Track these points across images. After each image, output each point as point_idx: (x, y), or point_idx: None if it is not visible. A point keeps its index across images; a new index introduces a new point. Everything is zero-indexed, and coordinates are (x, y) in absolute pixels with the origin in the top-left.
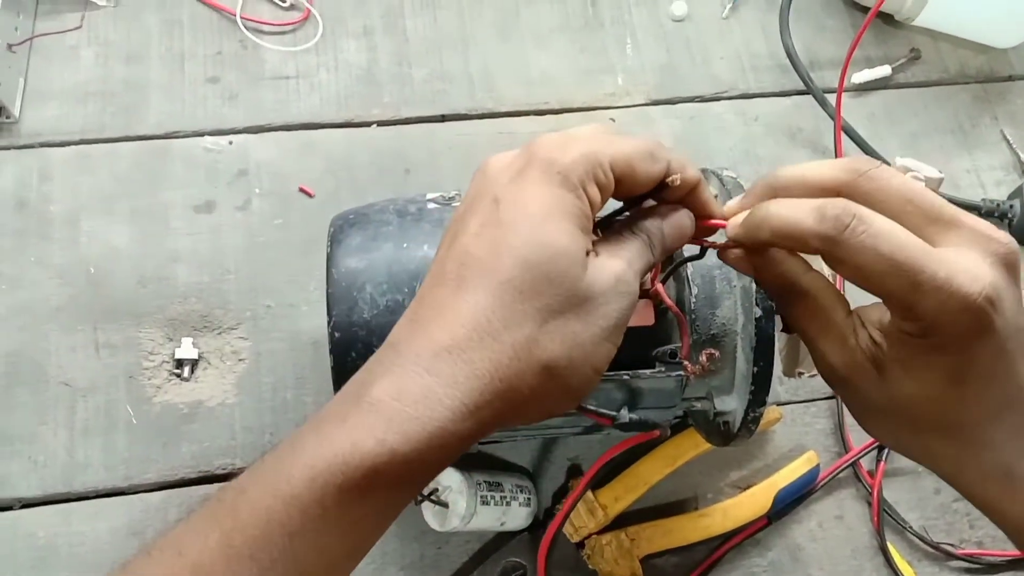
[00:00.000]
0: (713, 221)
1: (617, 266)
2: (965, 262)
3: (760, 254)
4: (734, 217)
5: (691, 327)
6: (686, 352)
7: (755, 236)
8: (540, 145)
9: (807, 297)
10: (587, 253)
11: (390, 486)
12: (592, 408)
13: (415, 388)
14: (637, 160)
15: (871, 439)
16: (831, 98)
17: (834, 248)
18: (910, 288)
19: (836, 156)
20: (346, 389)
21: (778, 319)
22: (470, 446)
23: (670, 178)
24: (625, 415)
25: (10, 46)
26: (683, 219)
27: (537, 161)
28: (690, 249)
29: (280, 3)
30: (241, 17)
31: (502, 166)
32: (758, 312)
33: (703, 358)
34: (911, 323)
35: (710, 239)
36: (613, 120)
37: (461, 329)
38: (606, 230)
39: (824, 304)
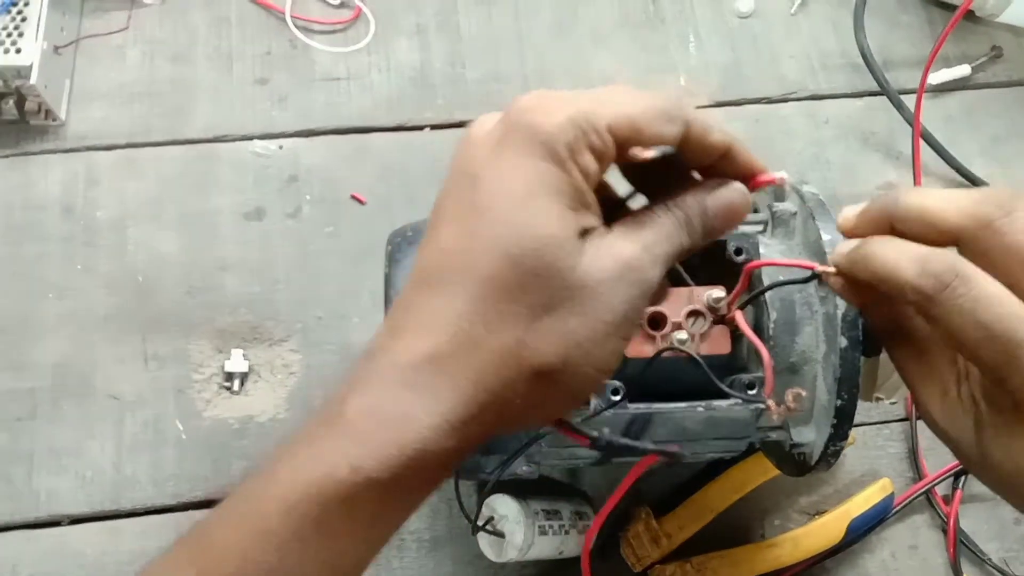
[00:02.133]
0: (762, 178)
1: (626, 250)
2: None
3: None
4: (840, 245)
5: (771, 359)
6: (769, 389)
7: (854, 273)
8: (520, 108)
9: (914, 339)
10: (583, 234)
11: (370, 514)
12: (569, 424)
13: (391, 405)
14: (645, 121)
15: (947, 465)
16: (907, 100)
17: (929, 306)
18: (1004, 362)
19: (914, 162)
20: (323, 404)
21: None
22: (458, 464)
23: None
24: (605, 435)
25: (56, 48)
26: (732, 193)
27: (517, 128)
28: (788, 272)
29: (330, 1)
30: (290, 16)
31: (483, 133)
32: (843, 342)
33: (789, 398)
34: (1004, 395)
35: (818, 267)
36: None
37: (441, 336)
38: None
39: (930, 349)
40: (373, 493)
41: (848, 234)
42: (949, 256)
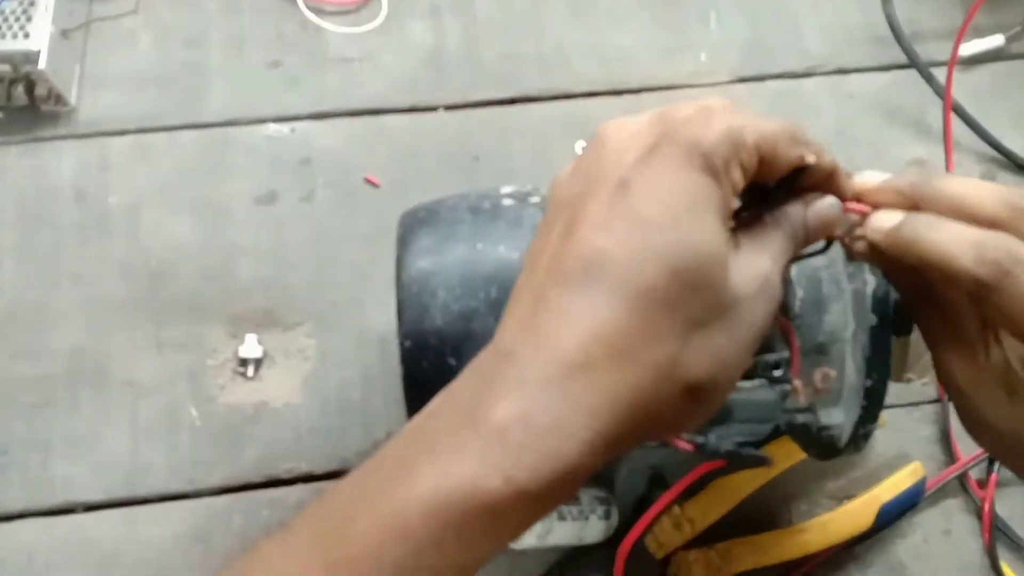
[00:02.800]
0: (857, 207)
1: (763, 265)
2: None
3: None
4: (878, 218)
5: (798, 339)
6: (796, 369)
7: (899, 253)
8: (676, 117)
9: (942, 302)
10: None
11: (513, 524)
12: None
13: (545, 416)
14: (783, 142)
15: (981, 449)
16: (937, 73)
17: (988, 294)
18: None
19: (944, 137)
20: (456, 402)
21: None
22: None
23: (808, 158)
24: (712, 442)
25: (64, 32)
26: (831, 209)
27: (674, 138)
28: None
29: None
30: None
31: (626, 137)
32: (873, 319)
33: (817, 378)
34: None
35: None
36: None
37: (594, 344)
38: (743, 218)
39: (959, 312)
40: (521, 504)
41: (863, 198)
42: (1009, 242)
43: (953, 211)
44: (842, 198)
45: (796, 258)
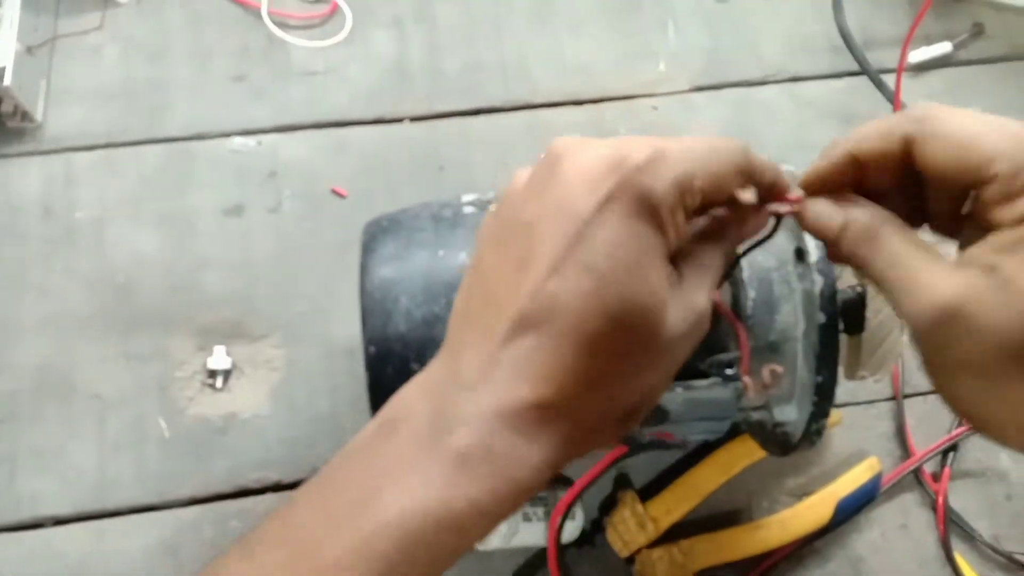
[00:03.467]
0: (791, 197)
1: (700, 302)
2: None
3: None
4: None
5: (748, 334)
6: (746, 367)
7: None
8: (630, 166)
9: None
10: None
11: (475, 536)
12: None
13: (502, 446)
14: (728, 180)
15: (935, 442)
16: (888, 79)
17: (917, 141)
18: (1014, 141)
19: None
20: (415, 426)
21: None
22: None
23: (743, 196)
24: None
25: (30, 48)
26: (761, 221)
27: (628, 189)
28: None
29: None
30: (267, 11)
31: (583, 171)
32: (822, 318)
33: (765, 374)
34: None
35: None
36: (655, 108)
37: (547, 388)
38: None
39: (908, 243)
40: (482, 521)
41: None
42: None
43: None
44: (783, 198)
45: (743, 253)
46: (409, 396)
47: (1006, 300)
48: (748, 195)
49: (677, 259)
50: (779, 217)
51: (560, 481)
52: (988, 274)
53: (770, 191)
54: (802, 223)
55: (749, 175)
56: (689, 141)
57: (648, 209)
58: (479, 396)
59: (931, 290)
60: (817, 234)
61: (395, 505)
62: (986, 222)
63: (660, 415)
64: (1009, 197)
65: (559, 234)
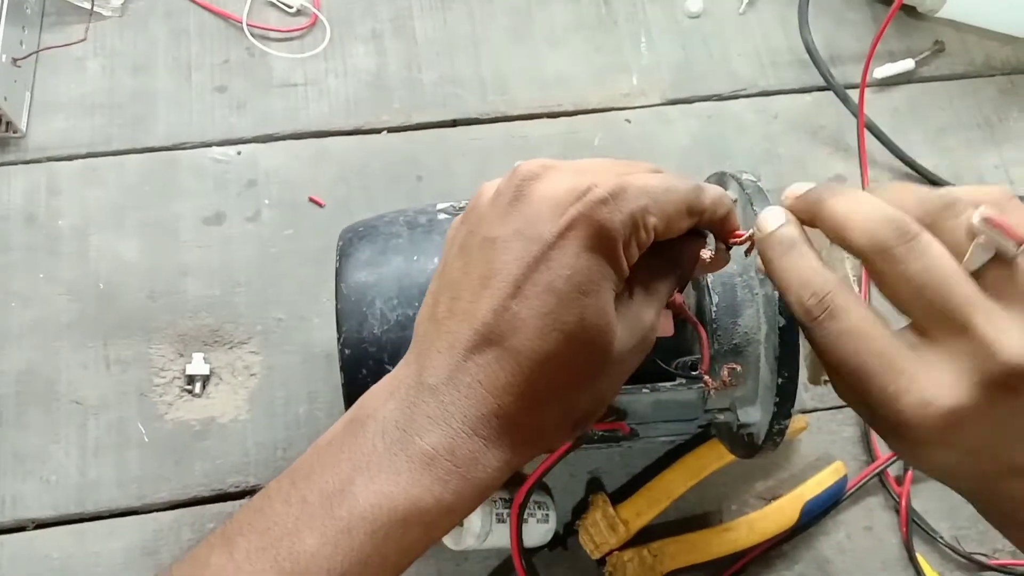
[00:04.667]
0: (739, 234)
1: (648, 318)
2: (938, 376)
3: None
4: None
5: (712, 337)
6: (706, 366)
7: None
8: (594, 198)
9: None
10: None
11: (439, 531)
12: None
13: (465, 449)
14: (678, 217)
15: None
16: (853, 94)
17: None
18: (875, 393)
19: (860, 154)
20: (384, 425)
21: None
22: None
23: (704, 252)
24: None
25: (15, 60)
26: (715, 252)
27: (588, 220)
28: None
29: (287, 9)
30: (247, 24)
31: (548, 201)
32: (782, 321)
33: (724, 373)
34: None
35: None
36: (629, 121)
37: (508, 398)
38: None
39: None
40: (447, 517)
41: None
42: (827, 286)
43: (834, 236)
44: (732, 231)
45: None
46: (378, 395)
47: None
48: (706, 253)
49: (630, 281)
50: (729, 248)
51: (516, 480)
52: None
53: (721, 226)
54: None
55: (700, 212)
56: (647, 179)
57: (605, 240)
58: (444, 401)
59: (912, 394)
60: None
61: (367, 499)
62: None
63: (618, 415)
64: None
65: (522, 255)
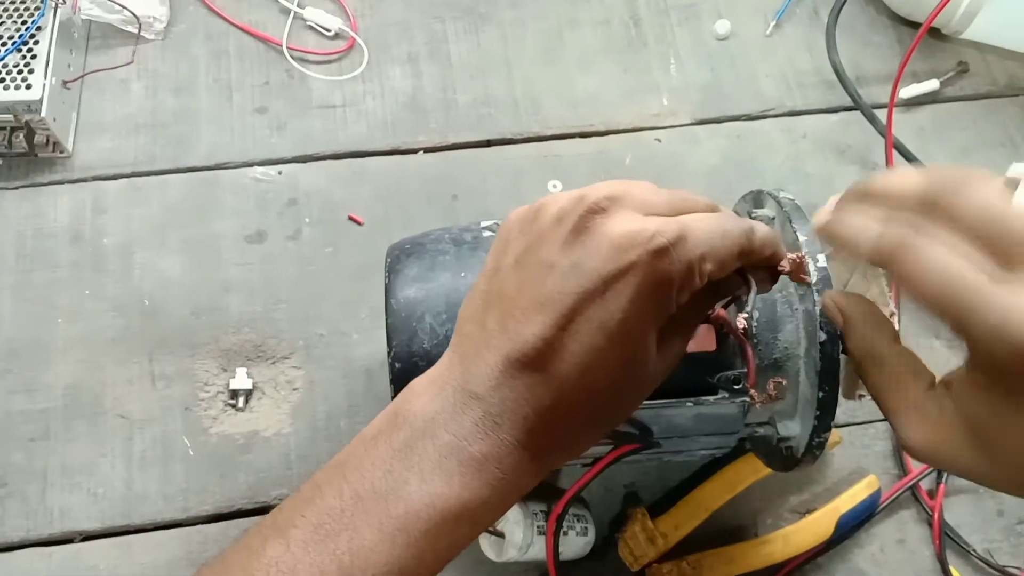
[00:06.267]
0: (781, 265)
1: (682, 348)
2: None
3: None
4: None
5: (754, 351)
6: (752, 380)
7: (823, 238)
8: (656, 246)
9: (885, 365)
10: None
11: (482, 527)
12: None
13: (511, 459)
14: (731, 262)
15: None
16: (879, 114)
17: (890, 268)
18: (959, 328)
19: None
20: (435, 431)
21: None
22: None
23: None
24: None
25: (64, 83)
26: (764, 287)
27: (648, 266)
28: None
29: (325, 32)
30: (287, 47)
31: (613, 240)
32: (822, 336)
33: (770, 387)
34: (977, 368)
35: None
36: (659, 141)
37: (549, 417)
38: None
39: (903, 374)
40: (489, 516)
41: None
42: (899, 226)
43: (888, 201)
44: (778, 263)
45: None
46: (422, 392)
47: (967, 452)
48: (740, 322)
49: (671, 315)
50: (774, 280)
51: (554, 493)
52: (951, 424)
53: (769, 261)
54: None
55: (751, 255)
56: (706, 223)
57: (661, 287)
58: (491, 412)
59: (909, 433)
60: (846, 244)
61: (421, 499)
62: None
63: (644, 432)
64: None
65: (579, 289)
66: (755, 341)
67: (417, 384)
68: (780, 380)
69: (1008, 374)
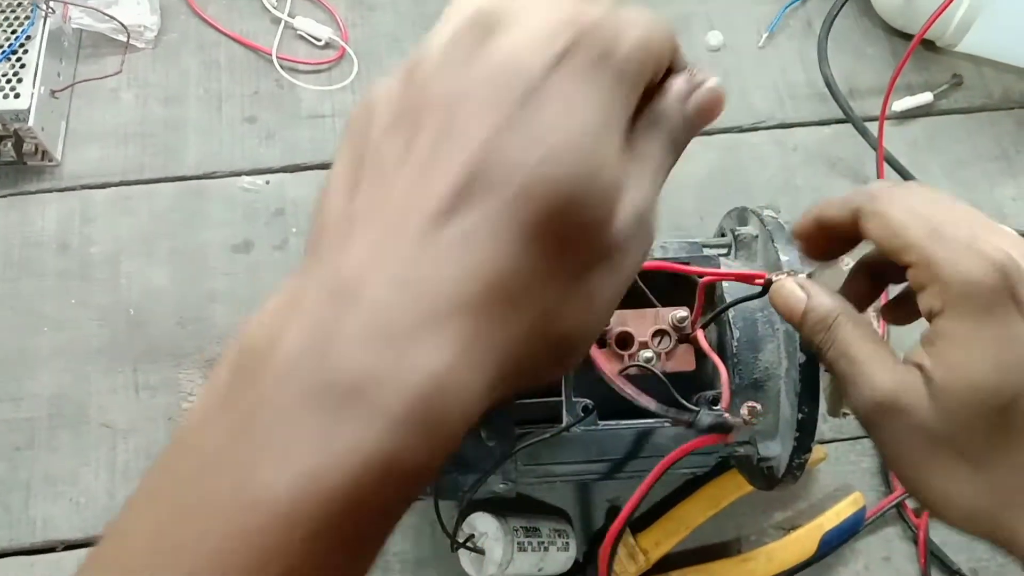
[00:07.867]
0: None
1: (640, 199)
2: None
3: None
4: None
5: (733, 372)
6: (726, 404)
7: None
8: (589, 21)
9: (850, 324)
10: None
11: (414, 496)
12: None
13: (426, 371)
14: (670, 53)
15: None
16: (871, 127)
17: (861, 216)
18: (928, 237)
19: None
20: (289, 368)
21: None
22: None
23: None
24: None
25: (53, 92)
26: (710, 94)
27: (589, 47)
28: (748, 291)
29: (316, 42)
30: (277, 57)
31: (533, 31)
32: (802, 357)
33: (744, 411)
34: (935, 294)
35: (769, 275)
36: None
37: (476, 285)
38: None
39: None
40: (414, 479)
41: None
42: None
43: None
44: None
45: (728, 305)
46: (268, 322)
47: (929, 394)
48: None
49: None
50: (770, 282)
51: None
52: (916, 370)
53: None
54: (771, 301)
55: (675, 50)
56: (634, 9)
57: (612, 70)
58: (388, 302)
59: (870, 384)
60: (782, 315)
61: (280, 490)
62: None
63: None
64: (920, 287)
65: (497, 100)
66: (734, 361)
67: (258, 315)
68: (755, 405)
69: (975, 295)
